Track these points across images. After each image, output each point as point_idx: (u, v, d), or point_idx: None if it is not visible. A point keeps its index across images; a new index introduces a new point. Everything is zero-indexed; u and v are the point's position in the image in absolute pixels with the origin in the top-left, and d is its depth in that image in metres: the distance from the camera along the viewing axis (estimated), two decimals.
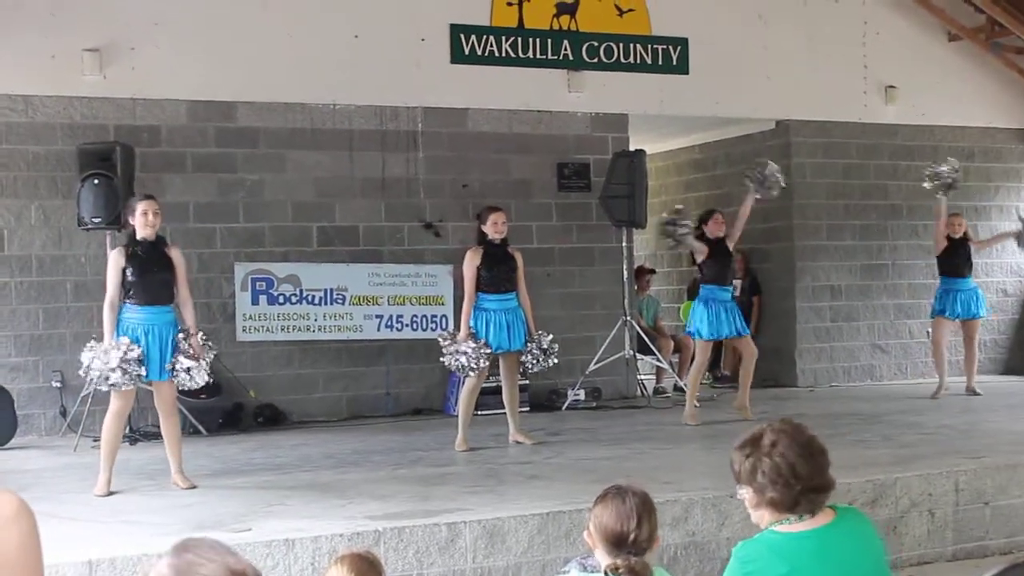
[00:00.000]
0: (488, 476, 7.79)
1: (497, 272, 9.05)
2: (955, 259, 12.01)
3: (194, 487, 7.52)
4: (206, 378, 7.60)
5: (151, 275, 7.50)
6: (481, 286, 9.09)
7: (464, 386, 9.24)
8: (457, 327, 9.43)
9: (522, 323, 9.14)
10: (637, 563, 3.40)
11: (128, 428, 9.77)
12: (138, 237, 7.55)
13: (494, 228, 9.05)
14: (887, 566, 3.42)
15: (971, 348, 12.25)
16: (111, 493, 7.39)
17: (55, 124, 10.52)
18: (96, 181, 9.69)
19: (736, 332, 10.33)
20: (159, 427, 9.24)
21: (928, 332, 13.27)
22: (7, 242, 10.44)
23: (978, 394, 11.95)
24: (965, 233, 12.18)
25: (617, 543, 3.42)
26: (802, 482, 3.22)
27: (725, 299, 10.33)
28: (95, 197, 9.69)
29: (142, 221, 7.51)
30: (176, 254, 7.70)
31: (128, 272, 7.46)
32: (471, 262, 9.11)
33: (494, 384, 11.17)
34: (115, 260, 7.53)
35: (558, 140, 12.36)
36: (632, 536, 3.41)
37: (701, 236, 10.33)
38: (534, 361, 9.19)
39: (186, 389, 7.77)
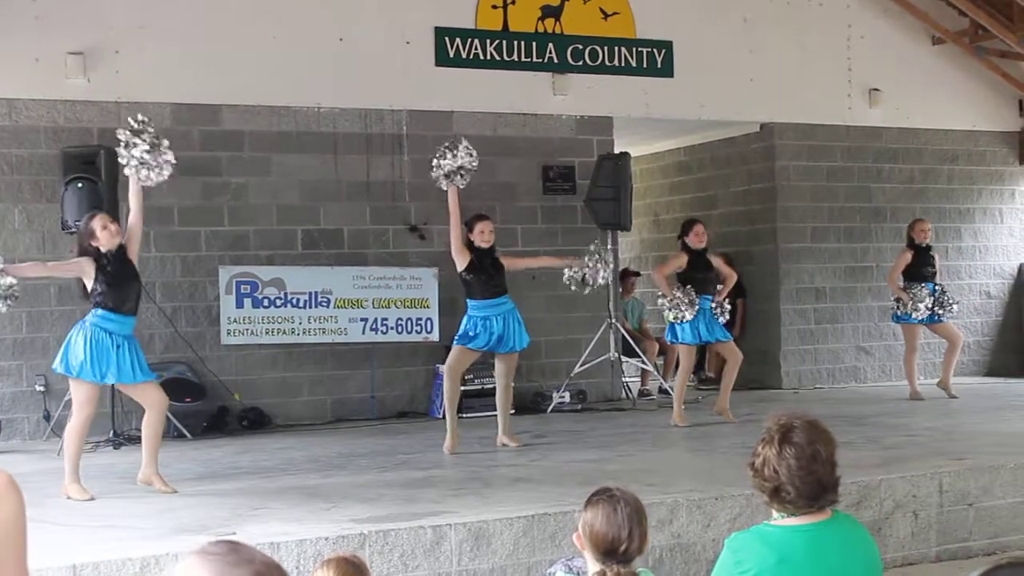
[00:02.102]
0: (473, 479, 7.79)
1: (487, 278, 9.10)
2: (921, 266, 11.96)
3: (156, 488, 7.46)
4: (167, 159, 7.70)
5: (121, 286, 7.49)
6: (473, 293, 9.14)
7: (444, 389, 9.27)
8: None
9: (518, 323, 9.19)
10: (626, 574, 3.40)
11: (112, 432, 9.77)
12: (103, 251, 7.47)
13: (480, 237, 9.11)
14: (880, 574, 3.43)
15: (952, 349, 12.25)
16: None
17: (39, 127, 10.49)
18: (80, 184, 9.67)
19: (715, 338, 10.35)
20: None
21: None
22: None
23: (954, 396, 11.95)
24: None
25: (607, 552, 3.43)
26: (795, 491, 3.25)
27: (704, 307, 10.32)
28: (79, 200, 9.66)
29: (104, 235, 7.45)
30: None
31: (98, 283, 7.43)
32: (461, 247, 9.13)
33: (478, 387, 11.23)
34: (81, 263, 7.50)
35: (543, 143, 12.37)
36: (623, 547, 3.42)
37: (683, 246, 10.38)
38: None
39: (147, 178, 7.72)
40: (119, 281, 7.47)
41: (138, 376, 7.49)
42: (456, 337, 9.24)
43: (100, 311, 7.43)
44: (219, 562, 1.98)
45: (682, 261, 10.35)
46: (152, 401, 7.62)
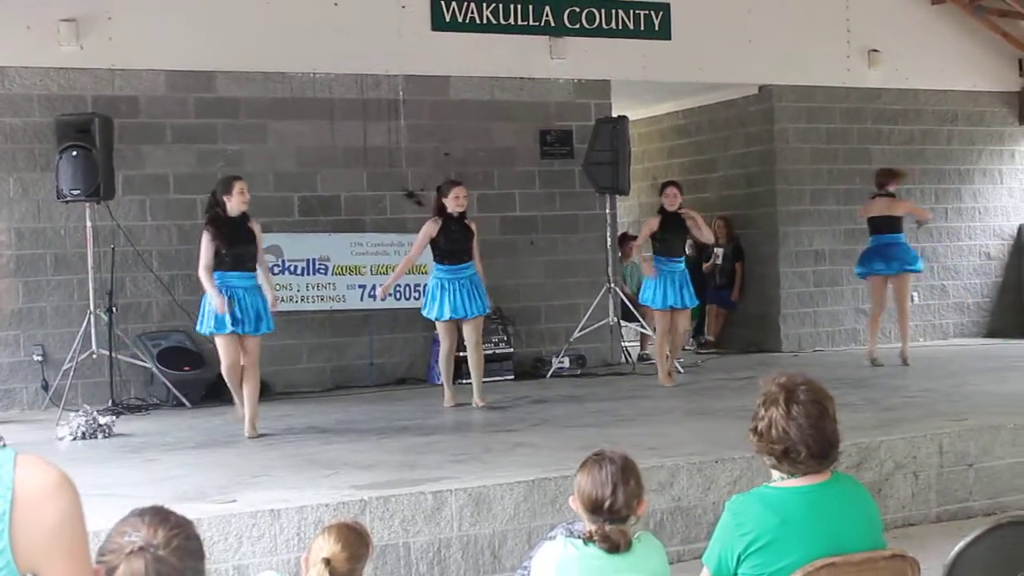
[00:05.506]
0: (473, 444, 7.79)
1: (455, 244, 9.40)
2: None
3: (260, 436, 8.33)
4: None
5: (240, 247, 8.36)
6: (439, 257, 9.44)
7: (440, 353, 9.66)
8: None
9: (479, 289, 9.47)
10: (612, 531, 3.42)
11: (111, 401, 9.76)
12: (232, 214, 8.35)
13: (455, 202, 9.39)
14: (881, 533, 3.43)
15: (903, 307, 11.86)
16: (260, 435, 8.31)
17: (32, 95, 10.42)
18: (74, 153, 9.61)
19: (681, 304, 10.45)
20: (142, 400, 9.33)
21: (914, 297, 13.27)
22: None
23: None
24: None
25: (594, 510, 3.46)
26: (807, 450, 3.23)
27: (675, 270, 10.53)
28: (74, 169, 9.61)
29: (240, 199, 8.34)
30: (257, 227, 8.57)
31: (220, 248, 8.28)
32: (427, 231, 9.45)
33: (489, 353, 11.10)
34: (208, 240, 8.29)
35: (540, 107, 12.29)
36: (607, 503, 3.43)
37: (660, 208, 10.58)
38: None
39: None
40: (237, 242, 8.35)
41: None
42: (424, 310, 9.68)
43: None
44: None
45: (653, 224, 10.56)
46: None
